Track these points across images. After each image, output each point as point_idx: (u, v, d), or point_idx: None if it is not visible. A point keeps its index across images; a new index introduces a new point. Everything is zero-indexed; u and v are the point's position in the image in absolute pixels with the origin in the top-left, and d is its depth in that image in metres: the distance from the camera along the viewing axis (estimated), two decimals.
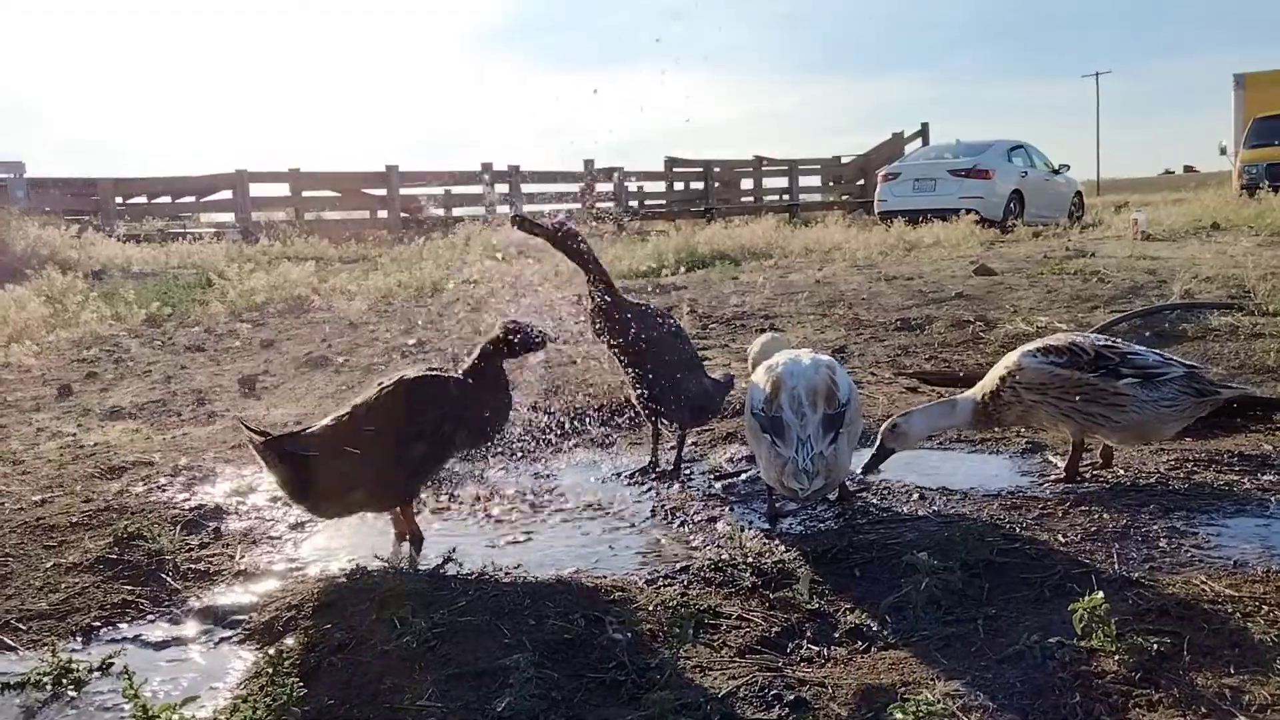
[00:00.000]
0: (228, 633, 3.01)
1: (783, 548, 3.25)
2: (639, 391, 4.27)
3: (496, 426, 3.71)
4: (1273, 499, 3.40)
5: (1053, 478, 3.81)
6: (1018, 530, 3.19)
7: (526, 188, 26.82)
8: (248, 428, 3.37)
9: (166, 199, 26.32)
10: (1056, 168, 22.49)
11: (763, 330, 7.77)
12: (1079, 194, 23.41)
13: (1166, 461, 3.86)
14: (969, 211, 18.52)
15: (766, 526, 3.55)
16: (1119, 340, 3.70)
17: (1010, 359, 3.80)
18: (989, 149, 21.27)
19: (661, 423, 4.40)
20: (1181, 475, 3.70)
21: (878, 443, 3.97)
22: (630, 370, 4.26)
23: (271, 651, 2.72)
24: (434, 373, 3.61)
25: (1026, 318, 6.84)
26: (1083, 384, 3.55)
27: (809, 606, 2.84)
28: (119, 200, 23.51)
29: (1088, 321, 6.59)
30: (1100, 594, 2.34)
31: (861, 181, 31.26)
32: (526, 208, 26.09)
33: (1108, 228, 16.28)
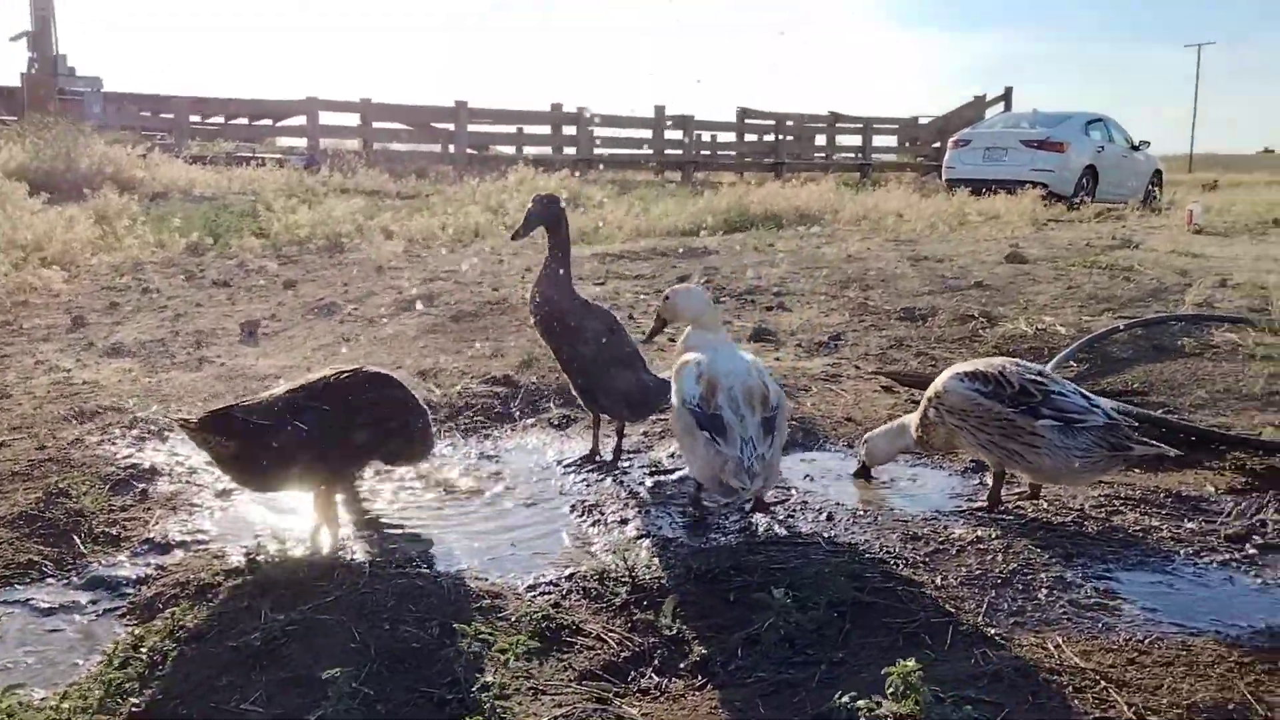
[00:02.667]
0: (114, 604, 3.10)
1: (669, 562, 3.24)
2: (573, 383, 4.30)
3: (417, 451, 3.81)
4: (1182, 551, 3.29)
5: (974, 505, 3.73)
6: (901, 567, 3.13)
7: (598, 131, 26.65)
8: (178, 419, 3.40)
9: (242, 121, 26.76)
10: (1136, 144, 21.70)
11: (769, 308, 7.69)
12: (1159, 172, 22.58)
13: (1095, 498, 3.75)
14: (1036, 185, 18.01)
15: (670, 535, 3.53)
16: (1051, 376, 3.58)
17: (941, 378, 3.72)
18: (1066, 121, 20.59)
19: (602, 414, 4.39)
20: (1102, 515, 3.59)
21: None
22: (563, 361, 4.29)
23: (134, 633, 2.81)
24: (390, 373, 3.76)
25: (1030, 318, 6.65)
26: (1001, 417, 3.46)
27: (667, 631, 2.83)
28: (194, 119, 23.92)
29: (1090, 326, 6.39)
30: (913, 662, 2.29)
31: (938, 144, 30.50)
32: (596, 151, 26.09)
33: (1172, 214, 15.70)
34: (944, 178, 21.44)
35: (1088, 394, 3.53)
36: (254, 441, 3.34)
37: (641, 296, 8.23)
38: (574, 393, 4.42)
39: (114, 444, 4.38)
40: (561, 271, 4.27)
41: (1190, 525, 3.51)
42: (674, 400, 3.66)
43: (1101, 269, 8.61)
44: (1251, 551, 3.31)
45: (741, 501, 3.65)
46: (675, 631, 2.83)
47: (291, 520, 3.68)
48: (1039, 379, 3.51)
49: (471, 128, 24.78)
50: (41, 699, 2.52)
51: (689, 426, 3.50)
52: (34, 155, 15.59)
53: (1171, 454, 3.42)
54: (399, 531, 3.63)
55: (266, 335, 6.93)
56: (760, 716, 2.39)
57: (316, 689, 2.48)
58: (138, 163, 17.09)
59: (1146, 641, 2.66)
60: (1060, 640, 2.64)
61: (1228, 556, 3.26)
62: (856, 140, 30.95)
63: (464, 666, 2.60)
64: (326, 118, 23.71)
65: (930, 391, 3.74)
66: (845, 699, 2.30)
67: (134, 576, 3.24)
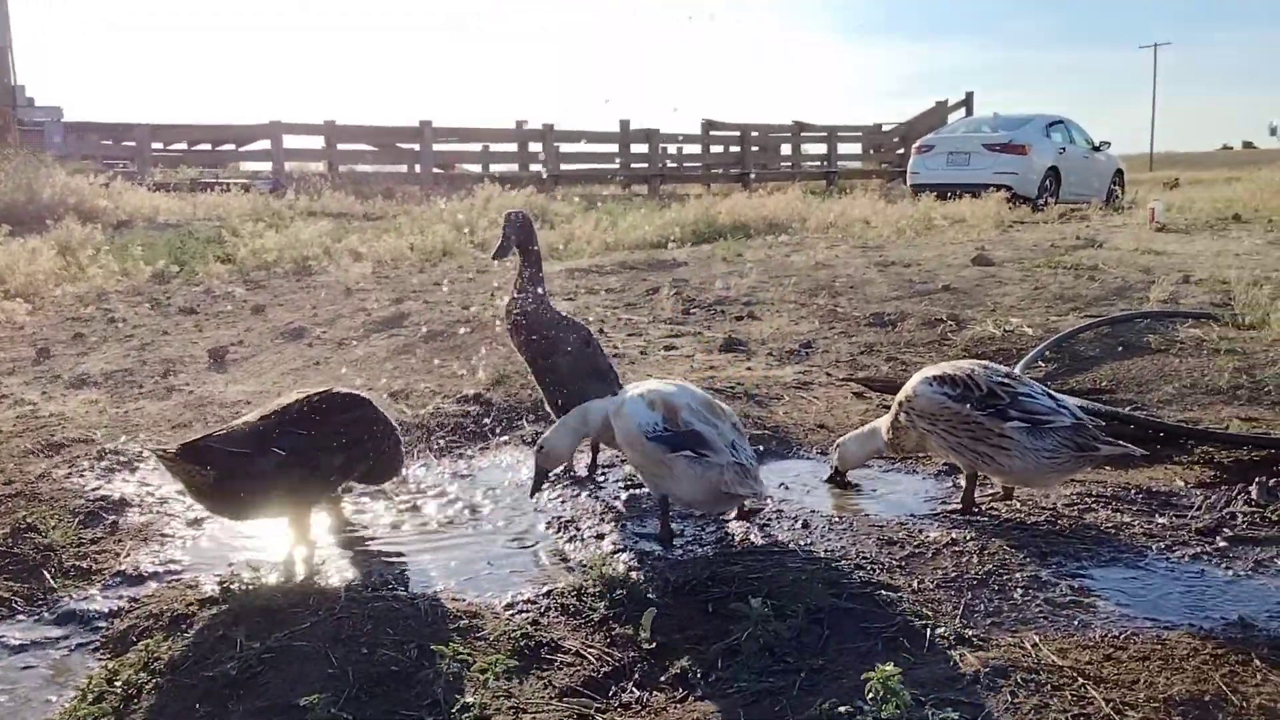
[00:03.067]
0: (86, 638, 3.07)
1: (647, 575, 3.23)
2: (549, 397, 4.31)
3: (390, 470, 3.94)
4: (1154, 546, 3.31)
5: (949, 508, 3.75)
6: (878, 572, 3.14)
7: (564, 147, 26.70)
8: (155, 450, 3.39)
9: (205, 147, 26.60)
10: (1097, 144, 21.94)
11: (739, 318, 7.71)
12: (1119, 172, 22.82)
13: (1067, 496, 3.78)
14: (1000, 188, 18.17)
15: (647, 548, 3.53)
16: (1020, 378, 3.60)
17: (911, 383, 3.74)
18: (1027, 124, 20.80)
19: None
20: (1075, 513, 3.62)
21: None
22: (539, 376, 4.29)
23: (108, 666, 2.77)
24: (360, 393, 3.82)
25: (998, 320, 6.70)
26: (970, 420, 3.49)
27: (647, 645, 2.82)
28: (157, 146, 23.76)
29: (1057, 326, 6.45)
30: (891, 665, 2.29)
31: (902, 151, 30.74)
32: (563, 167, 26.16)
33: (1135, 212, 15.88)
34: (909, 183, 21.60)
35: (1055, 395, 3.56)
36: (232, 470, 3.33)
37: (612, 310, 8.24)
38: (548, 408, 4.42)
39: (82, 476, 4.33)
40: (536, 285, 4.29)
41: (1161, 520, 3.55)
42: (630, 438, 3.54)
43: (1067, 269, 8.69)
44: (1222, 544, 3.34)
45: (757, 503, 3.65)
46: (655, 645, 2.83)
47: (264, 546, 3.66)
48: (1007, 381, 3.53)
49: (437, 147, 24.78)
50: None
51: (657, 456, 3.43)
52: None
53: (1137, 454, 3.44)
54: (374, 554, 3.61)
55: (235, 361, 6.88)
56: None
57: (295, 717, 2.46)
58: (100, 192, 16.92)
59: (1122, 637, 2.68)
60: (1037, 639, 2.66)
61: (1199, 550, 3.30)
62: (821, 149, 31.15)
63: (443, 688, 2.59)
64: (291, 141, 23.64)
65: (900, 396, 3.77)
66: (826, 705, 2.31)
67: (106, 610, 3.21)
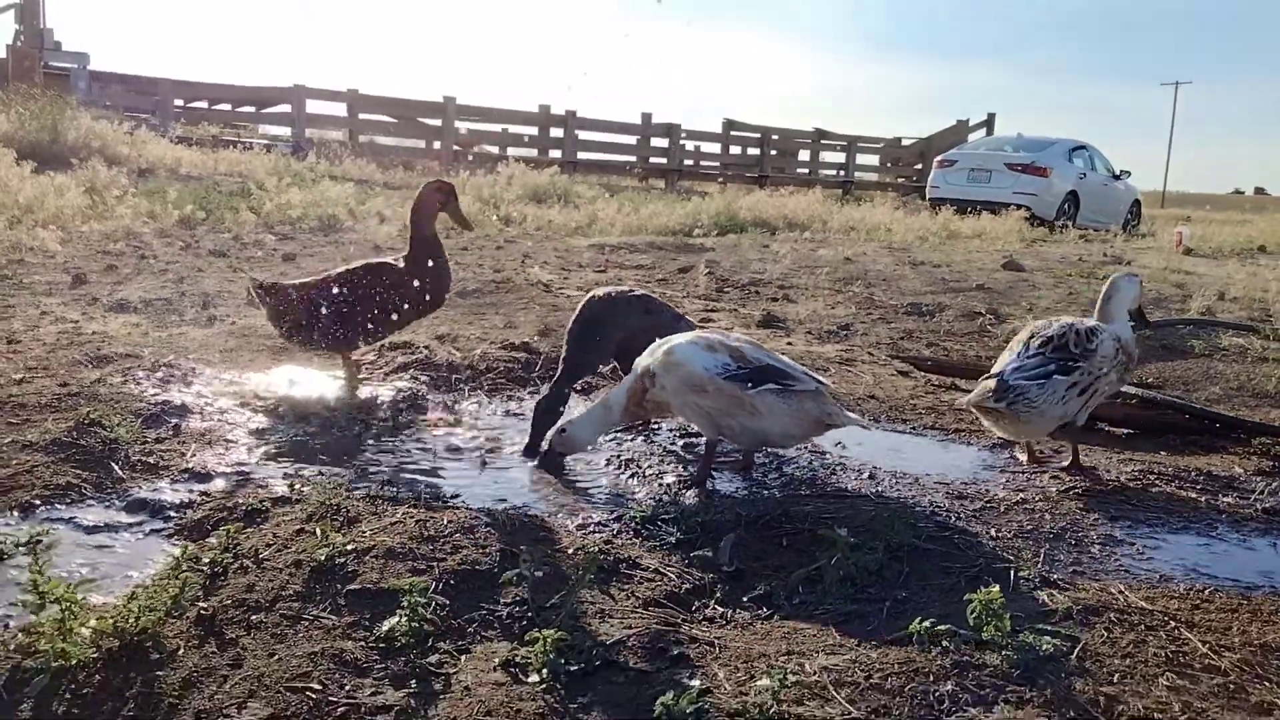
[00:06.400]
0: (159, 525, 3.06)
1: (718, 508, 3.23)
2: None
3: (438, 296, 4.71)
4: (1224, 519, 3.33)
5: (1014, 469, 3.76)
6: (953, 520, 3.15)
7: (584, 135, 26.70)
8: (252, 277, 4.66)
9: (226, 106, 26.54)
10: (1118, 173, 22.04)
11: (775, 300, 7.72)
12: (1138, 202, 22.91)
13: (1130, 471, 3.79)
14: (1019, 208, 18.25)
15: (714, 486, 3.53)
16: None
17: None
18: (1050, 147, 20.88)
19: None
20: (1140, 485, 3.63)
21: None
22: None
23: (191, 546, 2.76)
24: (385, 261, 4.73)
25: (1037, 317, 6.72)
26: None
27: (726, 569, 2.83)
28: (179, 102, 23.71)
29: None
30: (996, 588, 2.30)
31: (920, 165, 30.81)
32: (580, 155, 26.17)
33: (1156, 238, 15.94)
34: (928, 196, 21.66)
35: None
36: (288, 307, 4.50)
37: (645, 285, 8.24)
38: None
39: (139, 384, 4.32)
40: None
41: (1227, 499, 3.56)
42: (696, 381, 3.38)
43: (1100, 279, 8.71)
44: None
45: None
46: (734, 569, 2.83)
47: (326, 457, 3.65)
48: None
49: (458, 124, 24.73)
50: (102, 603, 2.48)
51: (734, 394, 3.32)
52: (19, 125, 15.37)
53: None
54: (435, 478, 3.59)
55: None
56: (834, 641, 2.38)
57: (387, 600, 2.47)
58: (124, 139, 16.89)
59: (1207, 591, 2.69)
60: (1123, 587, 2.67)
61: (1268, 526, 3.31)
62: (840, 158, 31.18)
63: (530, 588, 2.58)
64: (313, 106, 23.53)
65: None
66: (926, 624, 2.31)
67: (177, 501, 3.20)
